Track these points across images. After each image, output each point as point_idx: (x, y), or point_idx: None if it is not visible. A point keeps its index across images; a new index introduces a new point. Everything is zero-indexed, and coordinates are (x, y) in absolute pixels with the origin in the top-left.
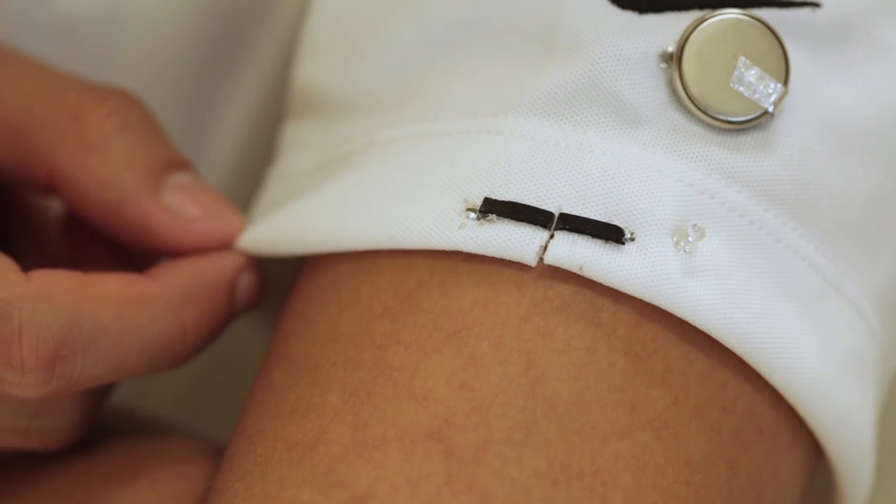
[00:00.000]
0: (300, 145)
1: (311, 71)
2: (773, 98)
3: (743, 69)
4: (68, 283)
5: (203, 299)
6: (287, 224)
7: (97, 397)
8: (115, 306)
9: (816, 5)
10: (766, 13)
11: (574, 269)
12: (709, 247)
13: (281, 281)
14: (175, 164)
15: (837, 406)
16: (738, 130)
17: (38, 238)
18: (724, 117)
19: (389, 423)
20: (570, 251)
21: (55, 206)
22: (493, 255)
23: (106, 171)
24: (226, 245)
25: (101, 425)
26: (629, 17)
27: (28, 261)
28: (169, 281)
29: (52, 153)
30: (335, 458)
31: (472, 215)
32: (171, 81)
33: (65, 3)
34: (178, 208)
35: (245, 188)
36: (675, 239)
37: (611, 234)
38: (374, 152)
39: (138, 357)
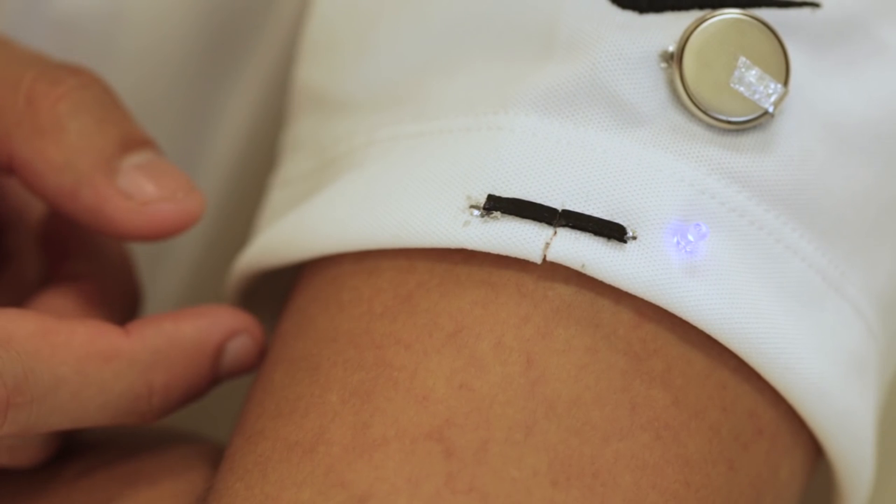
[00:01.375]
0: (300, 147)
1: (310, 71)
2: (773, 98)
3: (743, 69)
4: (31, 329)
5: (178, 364)
6: (290, 232)
7: None
8: (76, 359)
9: (816, 5)
10: (766, 13)
11: (576, 266)
12: (709, 247)
13: (281, 281)
14: (133, 142)
15: (837, 406)
16: (738, 131)
17: (16, 267)
18: (724, 117)
19: (389, 423)
20: (572, 248)
21: (33, 219)
22: (499, 252)
23: (60, 156)
24: (184, 227)
25: (101, 426)
26: (630, 16)
27: (1, 293)
28: (143, 339)
29: (8, 137)
30: (335, 458)
31: (476, 212)
32: (171, 81)
33: (64, 2)
34: (135, 190)
35: (245, 188)
36: (676, 238)
37: (613, 232)
38: (375, 151)
39: (98, 411)
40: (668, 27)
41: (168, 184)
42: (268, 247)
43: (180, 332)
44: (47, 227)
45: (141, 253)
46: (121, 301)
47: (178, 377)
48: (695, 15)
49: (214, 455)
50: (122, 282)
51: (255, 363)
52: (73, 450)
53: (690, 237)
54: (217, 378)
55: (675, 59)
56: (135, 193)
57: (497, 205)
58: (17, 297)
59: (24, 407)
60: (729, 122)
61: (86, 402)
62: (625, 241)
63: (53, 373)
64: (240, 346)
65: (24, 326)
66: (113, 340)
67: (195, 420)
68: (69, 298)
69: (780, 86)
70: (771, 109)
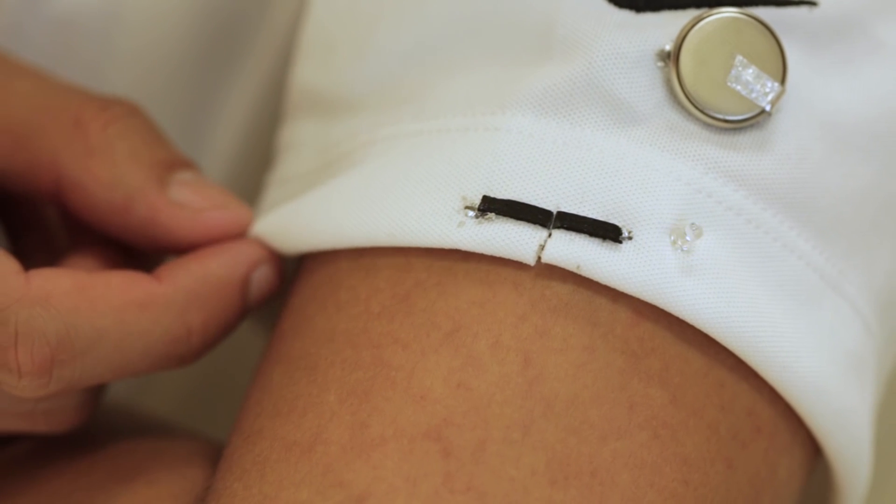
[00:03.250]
0: (299, 147)
1: (308, 71)
2: (770, 97)
3: (740, 68)
4: (68, 286)
5: (211, 301)
6: (286, 223)
7: None
8: (115, 310)
9: (814, 4)
10: (763, 12)
11: (571, 267)
12: (706, 246)
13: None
14: (178, 163)
15: (835, 404)
16: (735, 129)
17: (45, 236)
18: (721, 116)
19: (387, 423)
20: (567, 250)
21: None
22: (493, 253)
23: (110, 173)
24: (236, 234)
25: (101, 425)
26: (626, 15)
27: (35, 259)
28: (175, 282)
29: (56, 160)
30: (333, 458)
31: (471, 213)
32: (169, 81)
33: (63, 2)
34: (186, 202)
35: (243, 188)
36: (672, 238)
37: (608, 232)
38: (374, 150)
39: (141, 359)
40: (664, 26)
41: (215, 196)
42: (263, 237)
43: (209, 270)
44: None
45: None
46: (144, 258)
47: (214, 314)
48: (692, 14)
49: (213, 454)
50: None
51: (278, 290)
52: (73, 449)
53: (687, 236)
54: (247, 309)
55: (671, 57)
56: (187, 204)
57: (491, 206)
58: (48, 261)
59: (69, 363)
60: (726, 121)
61: (128, 352)
62: (620, 242)
63: (94, 326)
64: (263, 276)
65: (60, 284)
66: (146, 287)
67: (195, 420)
68: (96, 256)
69: (777, 84)
70: (768, 108)
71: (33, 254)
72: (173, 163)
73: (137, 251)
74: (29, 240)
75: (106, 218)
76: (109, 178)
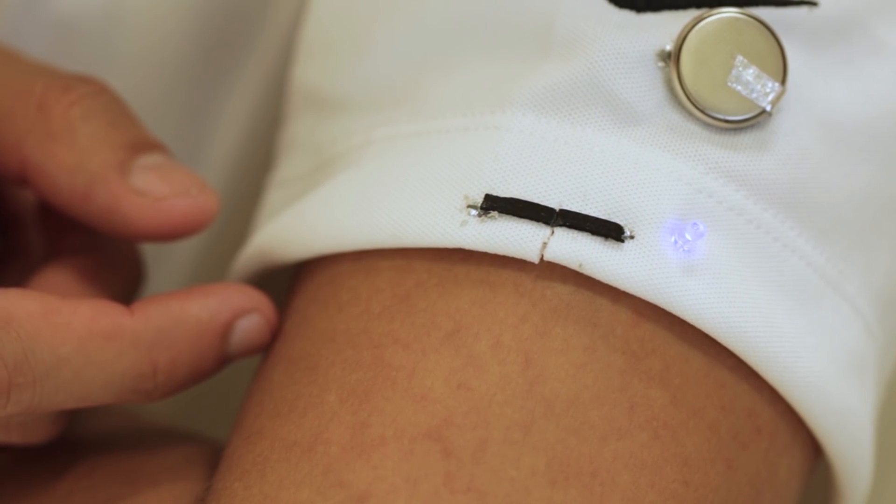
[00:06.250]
0: (297, 147)
1: (307, 71)
2: (770, 97)
3: (741, 68)
4: (33, 310)
5: (182, 342)
6: (287, 231)
7: None
8: (78, 338)
9: (814, 4)
10: (763, 12)
11: (574, 265)
12: (707, 246)
13: (280, 281)
14: (144, 145)
15: (836, 405)
16: (735, 129)
17: (21, 240)
18: (721, 116)
19: (388, 423)
20: (570, 248)
21: (31, 197)
22: (496, 252)
23: (72, 157)
24: (199, 223)
25: (101, 425)
26: (627, 15)
27: (10, 266)
28: (147, 317)
29: (20, 144)
30: (334, 458)
31: (474, 212)
32: (170, 80)
33: (63, 4)
34: (148, 189)
35: (243, 190)
36: (673, 237)
37: (611, 231)
38: (372, 151)
39: (102, 390)
40: (665, 26)
41: (181, 182)
42: (265, 246)
43: (186, 311)
44: (41, 210)
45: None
46: (124, 275)
47: (184, 356)
48: (692, 14)
49: (213, 455)
50: (124, 254)
51: (267, 342)
52: (73, 450)
53: (688, 236)
54: (226, 357)
55: (672, 57)
56: (148, 191)
57: (494, 204)
58: (23, 276)
59: (27, 387)
60: (726, 121)
61: (89, 382)
62: (622, 241)
63: (54, 353)
64: (250, 326)
65: (25, 307)
66: (115, 319)
67: (195, 420)
68: (71, 274)
69: (777, 84)
70: (768, 108)
71: (22, 247)
72: (138, 145)
73: (119, 261)
74: (16, 233)
75: (69, 203)
76: (71, 163)
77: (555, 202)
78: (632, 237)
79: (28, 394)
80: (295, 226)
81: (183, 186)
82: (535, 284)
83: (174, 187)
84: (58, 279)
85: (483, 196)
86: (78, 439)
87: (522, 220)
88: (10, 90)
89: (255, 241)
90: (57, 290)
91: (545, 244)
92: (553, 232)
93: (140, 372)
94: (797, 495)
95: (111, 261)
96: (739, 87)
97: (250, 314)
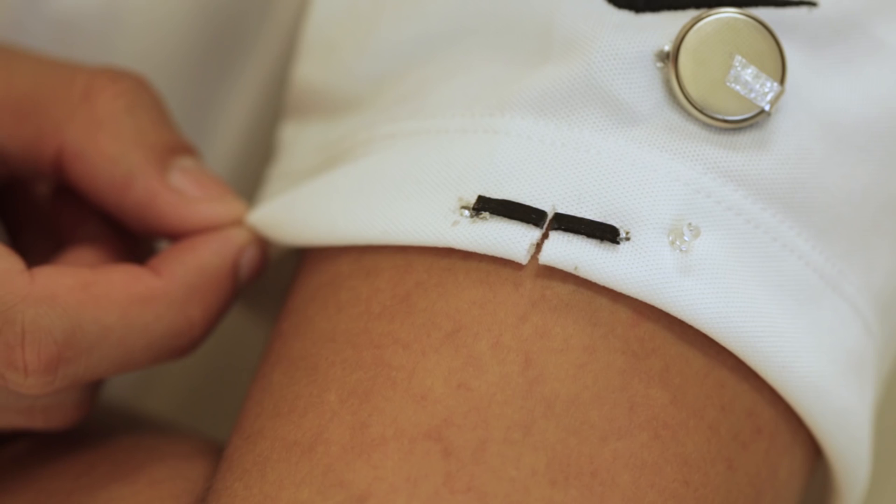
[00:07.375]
0: (301, 144)
1: (310, 69)
2: (769, 97)
3: (739, 68)
4: (72, 284)
5: (209, 292)
6: (280, 215)
7: None
8: (119, 307)
9: (813, 4)
10: (762, 12)
11: (569, 269)
12: (704, 246)
13: (279, 280)
14: (181, 148)
15: (835, 404)
16: (734, 129)
17: (44, 229)
18: (720, 116)
19: (388, 423)
20: (564, 251)
21: (43, 191)
22: (485, 252)
23: (115, 148)
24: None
25: (102, 425)
26: (625, 16)
27: (35, 253)
28: (174, 276)
29: (60, 129)
30: (334, 458)
31: (466, 213)
32: (170, 81)
33: (64, 3)
34: (184, 190)
35: (245, 186)
36: (670, 238)
37: (605, 233)
38: (372, 148)
39: (143, 353)
40: (664, 26)
41: (212, 187)
42: (259, 226)
43: (203, 260)
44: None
45: None
46: (135, 243)
47: (212, 304)
48: (691, 14)
49: (214, 454)
50: (138, 243)
51: (264, 268)
52: (74, 449)
53: (685, 236)
54: (238, 292)
55: (670, 58)
56: (184, 192)
57: (486, 206)
58: (47, 254)
59: (74, 360)
60: (725, 121)
61: (131, 347)
62: (617, 243)
63: (99, 323)
64: (251, 258)
65: (64, 282)
66: (148, 282)
67: (195, 420)
68: (94, 249)
69: (776, 84)
70: (767, 108)
71: (33, 248)
72: (176, 147)
73: (129, 240)
74: (28, 234)
75: (104, 193)
76: (113, 153)
77: (548, 205)
78: (627, 239)
79: (74, 367)
80: (289, 212)
81: (217, 192)
82: (535, 284)
83: (208, 192)
84: (83, 257)
85: (476, 197)
86: (79, 438)
87: (513, 221)
88: (53, 76)
89: (247, 220)
90: (84, 265)
91: (536, 246)
92: (547, 234)
93: (178, 330)
94: (798, 495)
95: (126, 246)
96: (738, 87)
97: (249, 247)
